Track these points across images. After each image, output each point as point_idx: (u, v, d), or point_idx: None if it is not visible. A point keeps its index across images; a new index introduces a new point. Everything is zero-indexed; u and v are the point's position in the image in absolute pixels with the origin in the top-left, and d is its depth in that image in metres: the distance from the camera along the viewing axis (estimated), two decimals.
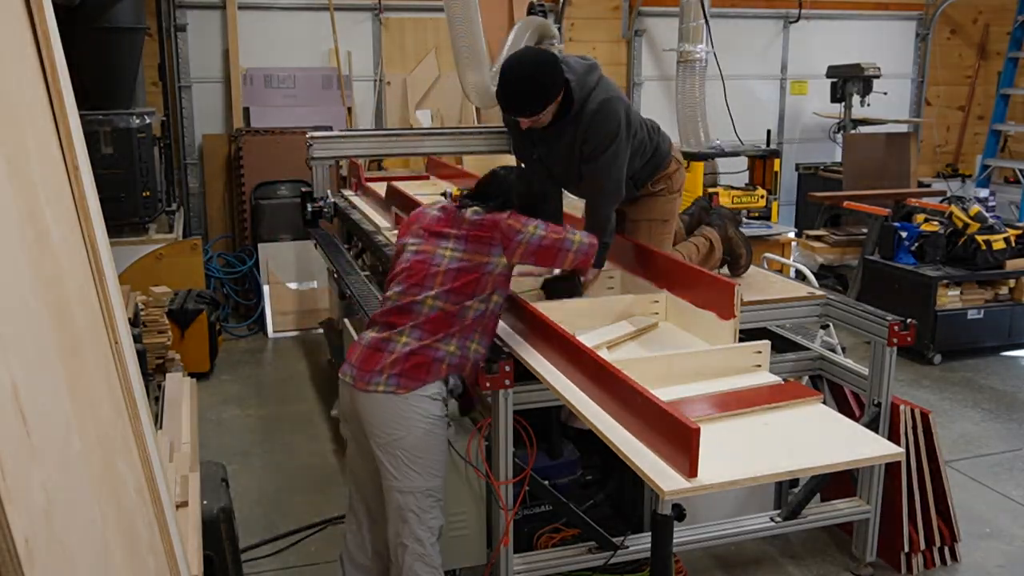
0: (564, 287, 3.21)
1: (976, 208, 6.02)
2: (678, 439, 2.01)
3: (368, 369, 2.71)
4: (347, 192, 6.02)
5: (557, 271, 3.23)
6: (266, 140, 6.90)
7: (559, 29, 6.18)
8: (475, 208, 2.85)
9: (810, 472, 2.16)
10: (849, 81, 7.77)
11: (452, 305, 2.73)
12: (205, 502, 2.82)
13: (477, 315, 2.76)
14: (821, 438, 2.22)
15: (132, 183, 5.74)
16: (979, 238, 5.78)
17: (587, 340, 2.68)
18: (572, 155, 3.21)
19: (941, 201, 6.75)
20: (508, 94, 3.07)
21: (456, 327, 2.73)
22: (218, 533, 2.83)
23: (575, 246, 2.89)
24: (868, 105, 7.85)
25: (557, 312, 2.90)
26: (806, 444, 2.18)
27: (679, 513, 2.36)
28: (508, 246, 2.78)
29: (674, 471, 2.01)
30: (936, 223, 6.01)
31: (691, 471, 1.97)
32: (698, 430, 1.96)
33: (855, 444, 2.19)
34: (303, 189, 5.48)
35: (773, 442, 2.18)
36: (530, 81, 3.02)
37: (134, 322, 4.54)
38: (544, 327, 2.77)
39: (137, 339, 4.21)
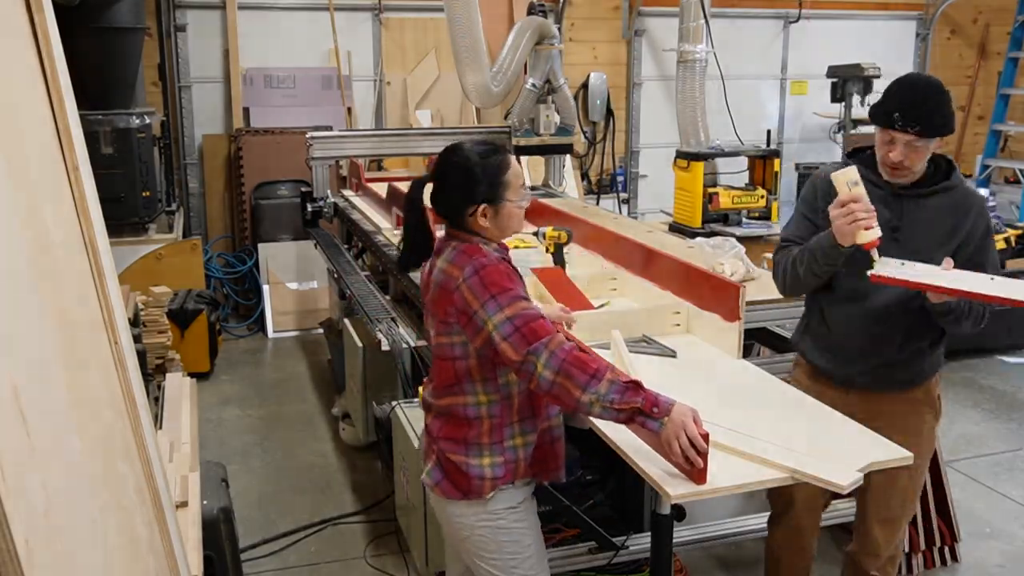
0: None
1: None
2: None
3: (424, 448, 2.30)
4: (347, 192, 6.03)
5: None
6: (266, 140, 6.90)
7: (559, 29, 6.18)
8: (449, 251, 2.15)
9: (814, 478, 2.14)
10: (849, 81, 7.76)
11: (444, 400, 2.19)
12: (205, 502, 2.82)
13: (498, 409, 2.16)
14: (829, 442, 2.21)
15: (132, 183, 5.74)
16: None
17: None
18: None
19: None
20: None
21: (476, 435, 2.16)
22: (218, 533, 2.83)
23: (535, 375, 1.99)
24: (868, 105, 7.84)
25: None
26: (814, 448, 2.18)
27: (679, 513, 2.35)
28: (466, 328, 2.08)
29: (681, 475, 2.00)
30: None
31: (700, 477, 1.97)
32: (706, 436, 1.95)
33: (864, 448, 2.19)
34: (303, 189, 5.49)
35: (780, 446, 2.18)
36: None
37: (134, 322, 4.54)
38: None
39: (137, 339, 4.21)
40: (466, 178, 2.14)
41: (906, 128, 2.35)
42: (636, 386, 1.98)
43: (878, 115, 2.44)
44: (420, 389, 2.39)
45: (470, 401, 2.16)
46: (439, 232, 2.28)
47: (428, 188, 2.23)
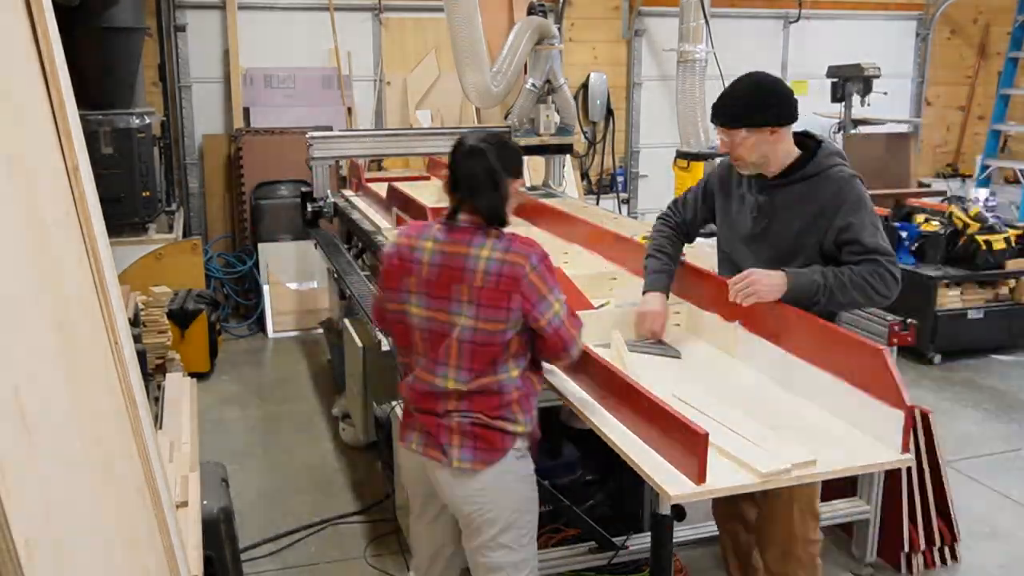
0: None
1: (976, 208, 6.02)
2: (686, 444, 2.00)
3: (437, 439, 2.35)
4: (347, 192, 6.03)
5: None
6: (266, 140, 6.90)
7: (559, 29, 6.18)
8: (495, 242, 2.27)
9: (818, 478, 2.15)
10: (849, 81, 7.77)
11: (476, 381, 2.30)
12: (205, 502, 2.82)
13: (522, 383, 2.35)
14: (829, 442, 2.21)
15: (132, 183, 5.74)
16: (979, 238, 5.78)
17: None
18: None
19: (941, 201, 6.75)
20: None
21: (509, 404, 2.32)
22: (218, 533, 2.83)
23: (573, 353, 2.36)
24: (868, 105, 7.84)
25: None
26: (814, 448, 2.18)
27: (679, 513, 2.36)
28: (528, 313, 2.26)
29: (681, 475, 2.01)
30: (936, 223, 6.01)
31: (699, 477, 1.97)
32: (706, 435, 1.96)
33: (863, 449, 2.19)
34: (303, 189, 5.49)
35: (781, 446, 2.18)
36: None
37: (134, 322, 4.54)
38: None
39: (137, 339, 4.21)
40: (515, 151, 2.43)
41: (715, 122, 2.65)
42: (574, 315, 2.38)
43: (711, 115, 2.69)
44: (428, 375, 2.35)
45: (503, 378, 2.30)
46: (419, 243, 2.39)
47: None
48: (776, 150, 2.64)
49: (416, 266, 2.33)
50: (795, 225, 2.63)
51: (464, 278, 2.25)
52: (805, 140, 2.71)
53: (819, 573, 2.79)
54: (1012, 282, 5.96)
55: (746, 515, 2.96)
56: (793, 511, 2.70)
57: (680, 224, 2.97)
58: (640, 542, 3.12)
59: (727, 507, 3.00)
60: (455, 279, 2.27)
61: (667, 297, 2.87)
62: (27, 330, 1.34)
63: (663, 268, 2.88)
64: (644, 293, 2.86)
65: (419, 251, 2.34)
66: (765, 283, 2.55)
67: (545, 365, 2.55)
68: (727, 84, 2.69)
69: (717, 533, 3.23)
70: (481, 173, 2.30)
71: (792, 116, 2.64)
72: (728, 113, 2.61)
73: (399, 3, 7.37)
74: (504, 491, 2.35)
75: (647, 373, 2.54)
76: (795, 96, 2.65)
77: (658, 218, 3.04)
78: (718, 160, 2.93)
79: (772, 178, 2.68)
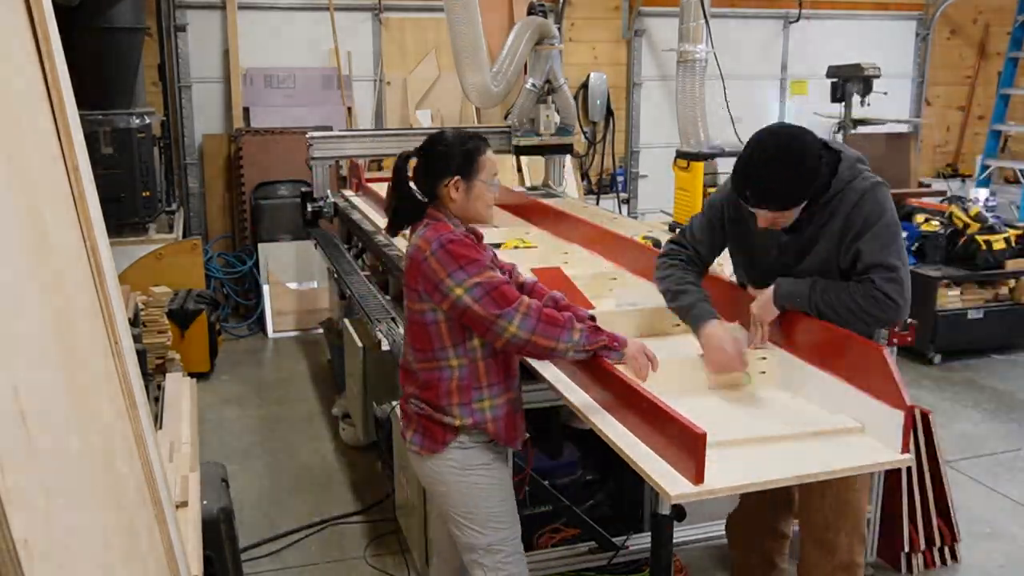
0: None
1: (976, 208, 6.02)
2: (685, 444, 2.01)
3: (404, 421, 2.52)
4: (347, 192, 6.02)
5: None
6: (266, 140, 6.90)
7: (559, 29, 6.18)
8: (423, 226, 2.37)
9: (818, 478, 2.15)
10: (849, 81, 7.76)
11: (423, 364, 2.39)
12: (205, 502, 2.82)
13: (467, 372, 2.35)
14: (828, 442, 2.21)
15: (132, 183, 5.74)
16: (979, 238, 5.78)
17: None
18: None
19: (941, 201, 6.75)
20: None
21: (449, 394, 2.36)
22: (218, 533, 2.83)
23: (505, 334, 2.23)
24: (868, 105, 7.84)
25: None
26: (813, 448, 2.18)
27: (679, 513, 2.35)
28: (433, 295, 2.30)
29: (681, 476, 2.01)
30: (936, 223, 6.01)
31: (697, 477, 1.97)
32: (704, 435, 1.96)
33: (863, 449, 2.19)
34: (303, 189, 5.49)
35: (780, 446, 2.18)
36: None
37: (134, 322, 4.54)
38: None
39: (137, 339, 4.21)
40: (444, 152, 2.40)
41: (759, 206, 2.41)
42: (596, 328, 2.32)
43: (735, 186, 2.47)
44: (402, 357, 2.55)
45: (442, 364, 2.36)
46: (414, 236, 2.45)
47: (411, 164, 2.45)
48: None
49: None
50: (820, 255, 2.49)
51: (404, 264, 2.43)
52: (823, 153, 2.45)
53: None
54: (1012, 282, 5.96)
55: (766, 549, 2.90)
56: (840, 537, 2.61)
57: (694, 259, 2.71)
58: (640, 542, 3.13)
59: (753, 525, 2.91)
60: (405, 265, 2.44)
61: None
62: (27, 330, 1.34)
63: (703, 296, 2.60)
64: (699, 328, 2.53)
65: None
66: (755, 311, 2.53)
67: (537, 365, 2.56)
68: (744, 152, 2.44)
69: (717, 533, 3.23)
70: (430, 145, 2.44)
71: (819, 177, 2.43)
72: (776, 201, 2.39)
73: (399, 3, 7.37)
74: (448, 480, 2.42)
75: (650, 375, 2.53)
76: (818, 141, 2.44)
77: (663, 256, 2.76)
78: (725, 184, 2.68)
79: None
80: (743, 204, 2.48)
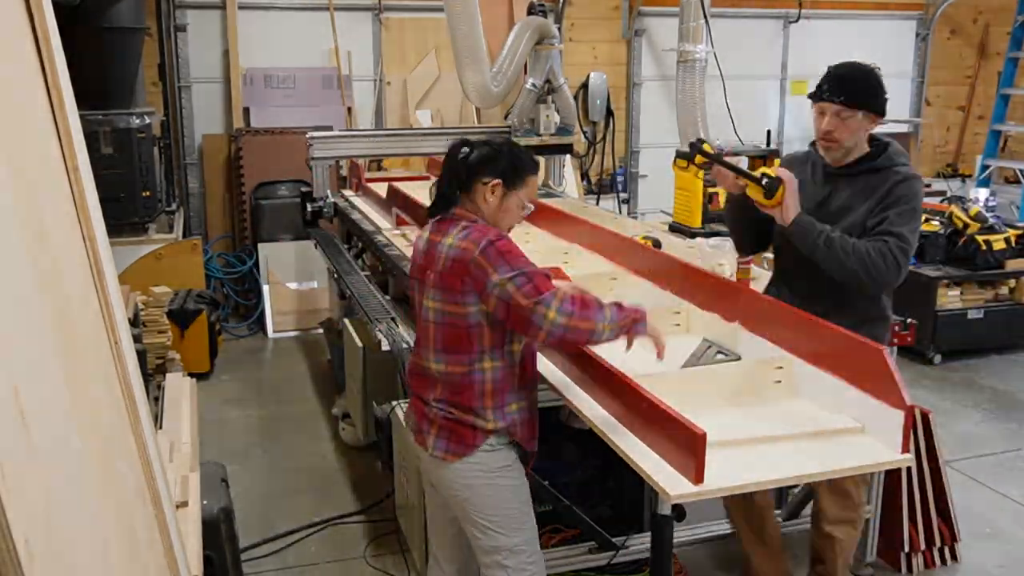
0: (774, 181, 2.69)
1: (976, 208, 6.02)
2: (685, 444, 2.01)
3: (420, 426, 2.46)
4: (347, 192, 6.03)
5: None
6: (266, 140, 6.90)
7: (559, 29, 6.18)
8: (459, 231, 2.34)
9: (817, 478, 2.15)
10: None
11: (456, 367, 2.36)
12: (205, 502, 2.82)
13: (501, 375, 2.35)
14: (828, 442, 2.21)
15: (132, 183, 5.74)
16: (979, 238, 5.78)
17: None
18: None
19: (941, 201, 6.75)
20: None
21: (482, 397, 2.35)
22: (218, 533, 2.84)
23: (544, 324, 2.21)
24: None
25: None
26: (813, 448, 2.18)
27: (679, 513, 2.36)
28: (481, 294, 2.29)
29: (680, 476, 2.01)
30: (936, 223, 6.01)
31: (697, 477, 1.97)
32: (704, 435, 1.96)
33: (863, 449, 2.19)
34: (303, 189, 5.49)
35: (780, 446, 2.18)
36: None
37: (134, 322, 4.54)
38: None
39: (137, 339, 4.21)
40: (499, 153, 2.42)
41: (832, 99, 2.67)
42: (618, 304, 2.33)
43: (813, 93, 2.75)
44: (418, 359, 2.49)
45: (476, 367, 2.34)
46: (423, 236, 2.50)
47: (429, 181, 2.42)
48: (864, 140, 2.75)
49: (417, 256, 2.51)
50: (853, 219, 2.71)
51: (434, 265, 2.37)
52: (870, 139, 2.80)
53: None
54: (1012, 282, 5.96)
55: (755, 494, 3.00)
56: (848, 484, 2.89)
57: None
58: (640, 542, 3.12)
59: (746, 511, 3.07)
60: (430, 266, 2.40)
61: None
62: (27, 330, 1.34)
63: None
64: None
65: (420, 241, 2.52)
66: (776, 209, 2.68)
67: (547, 367, 2.55)
68: (830, 67, 2.77)
69: (717, 533, 3.23)
70: (489, 142, 2.46)
71: (885, 113, 2.75)
72: (849, 90, 2.67)
73: (399, 3, 7.37)
74: (475, 484, 2.40)
75: (649, 374, 2.54)
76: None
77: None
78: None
79: (839, 167, 2.77)
80: (796, 164, 2.84)
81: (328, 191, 5.36)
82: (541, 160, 5.85)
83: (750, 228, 2.96)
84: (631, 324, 2.30)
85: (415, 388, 2.50)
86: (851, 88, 2.67)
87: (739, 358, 2.71)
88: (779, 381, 2.50)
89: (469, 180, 2.39)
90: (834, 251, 2.61)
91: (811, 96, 2.75)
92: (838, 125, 2.68)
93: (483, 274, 2.25)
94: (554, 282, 2.62)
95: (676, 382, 2.44)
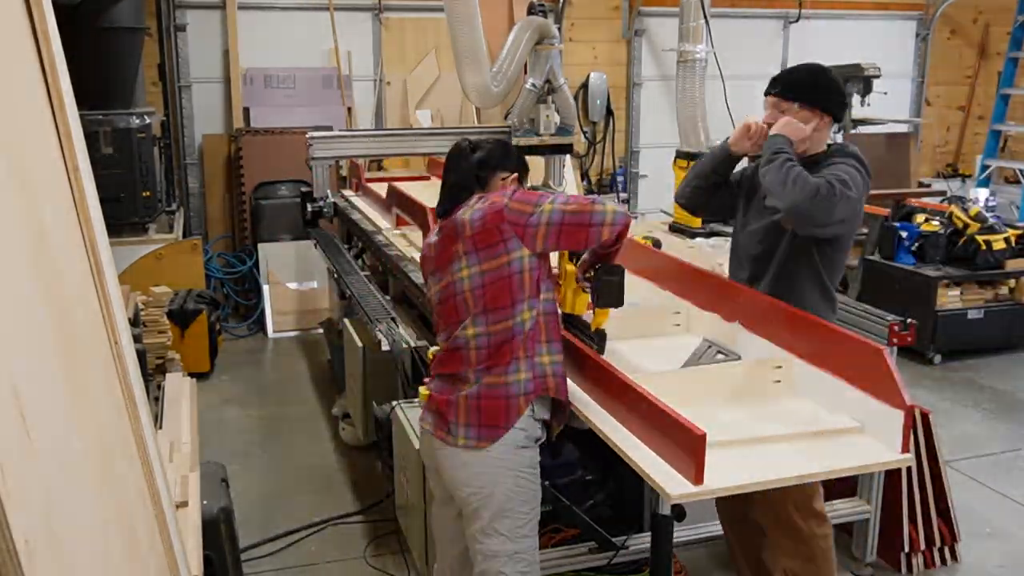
0: (614, 283, 2.52)
1: (976, 208, 6.02)
2: (684, 444, 2.01)
3: (446, 418, 2.42)
4: (347, 192, 6.03)
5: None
6: (266, 140, 6.90)
7: (559, 29, 6.18)
8: (477, 200, 2.45)
9: (817, 478, 2.15)
10: (849, 81, 7.75)
11: (496, 326, 2.36)
12: (205, 502, 2.82)
13: (533, 325, 2.37)
14: (828, 442, 2.21)
15: (132, 183, 5.74)
16: (979, 238, 5.78)
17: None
18: None
19: (941, 201, 6.75)
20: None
21: (516, 349, 2.36)
22: (218, 533, 2.84)
23: (608, 216, 2.34)
24: (868, 105, 7.84)
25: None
26: (813, 448, 2.18)
27: (679, 513, 2.35)
28: (523, 235, 2.34)
29: (681, 476, 2.01)
30: (936, 223, 6.01)
31: (697, 477, 1.97)
32: (704, 436, 1.96)
33: (863, 449, 2.19)
34: (303, 189, 5.49)
35: (780, 446, 2.18)
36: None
37: (134, 322, 4.54)
38: None
39: (137, 339, 4.21)
40: (508, 150, 2.60)
41: (770, 91, 2.77)
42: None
43: (767, 90, 2.81)
44: (448, 343, 2.48)
45: (516, 320, 2.36)
46: (432, 237, 2.53)
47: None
48: (812, 138, 2.73)
49: (428, 250, 2.55)
50: None
51: (457, 239, 2.41)
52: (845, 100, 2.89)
53: (831, 566, 2.83)
54: (1012, 282, 5.96)
55: (750, 515, 2.96)
56: (789, 508, 2.73)
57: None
58: (640, 542, 3.12)
59: (731, 510, 3.00)
60: (451, 243, 2.43)
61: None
62: (27, 330, 1.34)
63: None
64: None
65: (432, 237, 2.56)
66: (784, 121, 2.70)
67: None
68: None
69: (717, 533, 3.23)
70: (499, 141, 2.62)
71: (839, 116, 2.78)
72: (786, 82, 2.76)
73: (399, 3, 7.37)
74: (502, 474, 2.37)
75: (651, 374, 2.54)
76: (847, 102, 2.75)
77: None
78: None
79: None
80: (754, 177, 2.80)
81: (328, 191, 5.36)
82: (541, 160, 5.89)
83: (715, 190, 2.98)
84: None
85: (442, 370, 2.46)
86: (788, 80, 2.76)
87: (739, 358, 2.71)
88: (779, 381, 2.50)
89: (487, 176, 2.51)
90: (784, 171, 2.57)
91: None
92: (776, 117, 2.73)
93: (521, 211, 2.33)
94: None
95: (676, 382, 2.45)
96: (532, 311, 2.37)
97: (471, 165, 2.51)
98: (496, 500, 2.37)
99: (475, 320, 2.38)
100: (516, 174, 2.56)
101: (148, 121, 5.84)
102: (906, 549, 3.45)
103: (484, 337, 2.37)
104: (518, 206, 2.34)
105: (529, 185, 4.95)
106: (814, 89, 2.74)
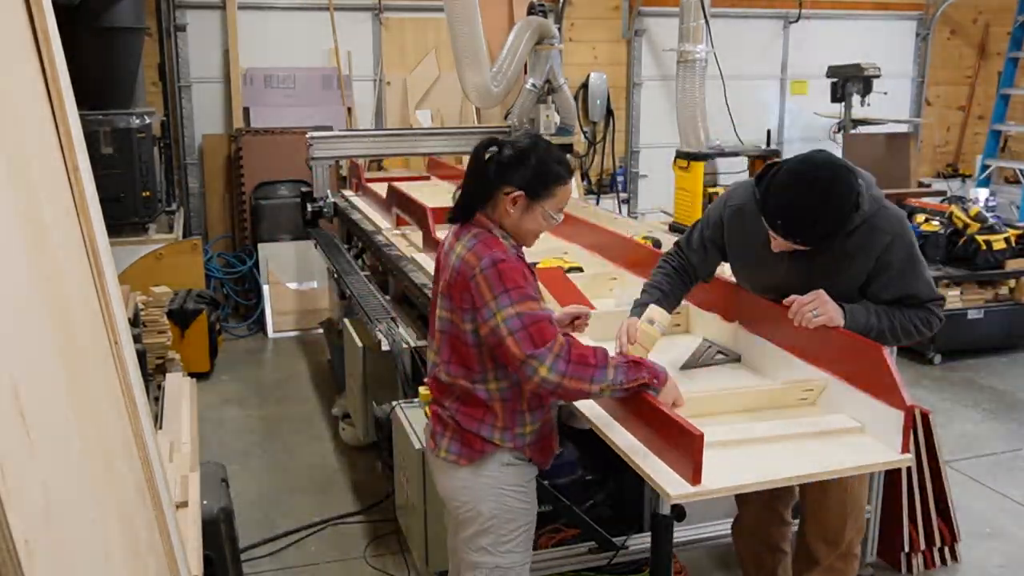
0: None
1: (976, 208, 6.02)
2: (683, 445, 2.01)
3: (436, 429, 2.36)
4: (347, 192, 6.03)
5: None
6: (266, 140, 6.90)
7: (559, 29, 6.18)
8: (468, 239, 2.20)
9: (817, 478, 2.15)
10: (849, 81, 7.77)
11: (462, 381, 2.24)
12: (205, 502, 2.82)
13: (506, 396, 2.23)
14: (828, 442, 2.21)
15: (132, 183, 5.74)
16: (979, 238, 5.78)
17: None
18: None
19: (941, 201, 6.75)
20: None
21: (486, 411, 2.24)
22: (218, 533, 2.84)
23: (541, 368, 2.06)
24: (868, 105, 7.85)
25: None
26: (813, 448, 2.18)
27: (679, 513, 2.35)
28: (477, 315, 2.15)
29: (680, 476, 2.01)
30: (936, 223, 6.01)
31: (695, 478, 1.97)
32: (701, 436, 1.96)
33: (863, 449, 2.19)
34: (303, 189, 5.49)
35: (779, 446, 2.18)
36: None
37: (134, 322, 4.54)
38: None
39: (137, 339, 4.21)
40: (523, 160, 2.19)
41: (787, 238, 2.37)
42: (638, 364, 2.18)
43: (763, 210, 2.39)
44: (432, 367, 2.38)
45: (482, 387, 2.23)
46: (440, 233, 2.35)
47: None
48: None
49: (440, 258, 2.37)
50: (839, 280, 2.46)
51: (445, 271, 2.26)
52: (859, 188, 2.38)
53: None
54: (1012, 282, 5.96)
55: (773, 539, 2.91)
56: (846, 531, 2.70)
57: (685, 267, 2.72)
58: (640, 542, 3.12)
59: (752, 535, 2.94)
60: (442, 271, 2.29)
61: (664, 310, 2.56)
62: (27, 330, 1.34)
63: (656, 297, 2.60)
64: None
65: (444, 243, 2.36)
66: (833, 307, 2.37)
67: None
68: (781, 177, 2.37)
69: (717, 533, 3.22)
70: (517, 144, 2.23)
71: (858, 207, 2.37)
72: (811, 237, 2.35)
73: (399, 3, 7.37)
74: (482, 494, 2.30)
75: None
76: (858, 184, 2.37)
77: (661, 258, 2.80)
78: (724, 199, 2.70)
79: None
80: (740, 223, 2.55)
81: (328, 191, 5.36)
82: None
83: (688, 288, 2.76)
84: (637, 388, 2.14)
85: (433, 392, 2.40)
86: (814, 237, 2.35)
87: (739, 358, 2.71)
88: (804, 399, 2.47)
89: (490, 189, 2.21)
90: (883, 339, 2.42)
91: (762, 212, 2.40)
92: (788, 247, 2.41)
93: (480, 296, 2.12)
94: (568, 308, 2.58)
95: (675, 382, 2.43)
96: (502, 382, 2.22)
97: (480, 170, 2.23)
98: (478, 518, 2.31)
99: (445, 365, 2.27)
100: (523, 191, 2.18)
101: (148, 121, 5.84)
102: (906, 549, 3.45)
103: (453, 386, 2.27)
104: (482, 285, 2.11)
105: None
106: (837, 228, 2.34)
